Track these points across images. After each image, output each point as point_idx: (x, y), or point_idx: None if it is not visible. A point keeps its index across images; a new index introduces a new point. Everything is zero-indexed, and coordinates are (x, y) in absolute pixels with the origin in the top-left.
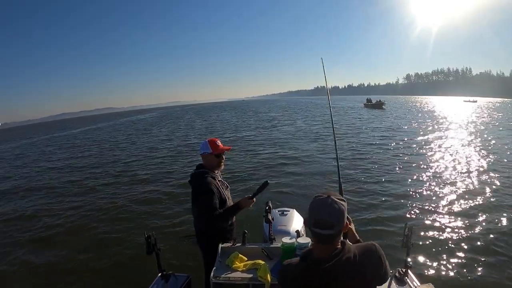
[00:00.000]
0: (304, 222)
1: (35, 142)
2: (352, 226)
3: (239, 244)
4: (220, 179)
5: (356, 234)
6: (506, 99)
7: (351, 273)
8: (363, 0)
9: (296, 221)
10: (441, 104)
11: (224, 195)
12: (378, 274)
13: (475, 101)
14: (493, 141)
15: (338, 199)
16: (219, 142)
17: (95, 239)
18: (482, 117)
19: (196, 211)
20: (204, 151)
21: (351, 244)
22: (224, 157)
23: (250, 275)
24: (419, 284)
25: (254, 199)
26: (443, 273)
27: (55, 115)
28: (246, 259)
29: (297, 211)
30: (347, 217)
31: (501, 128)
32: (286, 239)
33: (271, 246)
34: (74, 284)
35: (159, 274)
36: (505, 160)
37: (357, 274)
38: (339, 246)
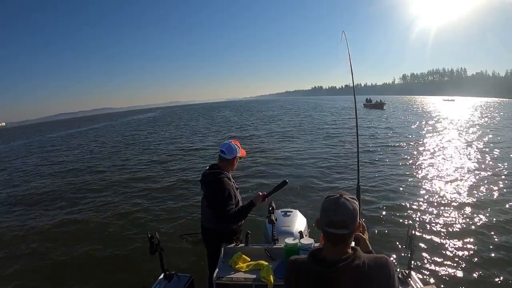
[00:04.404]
0: (316, 224)
1: (29, 143)
2: (366, 237)
3: (242, 245)
4: (232, 180)
5: (369, 245)
6: (504, 99)
7: (357, 280)
8: (362, 1)
9: (299, 222)
10: (432, 104)
11: (238, 196)
12: None
13: (453, 100)
14: (493, 141)
15: (350, 197)
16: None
17: (97, 238)
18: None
19: (211, 209)
20: (234, 155)
21: (362, 252)
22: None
23: (253, 276)
24: (422, 285)
25: (267, 199)
26: (446, 275)
27: (52, 115)
28: (249, 259)
29: (300, 212)
30: (362, 224)
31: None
32: (289, 240)
33: (274, 246)
34: (75, 283)
35: (162, 274)
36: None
37: (363, 283)
38: (350, 250)
